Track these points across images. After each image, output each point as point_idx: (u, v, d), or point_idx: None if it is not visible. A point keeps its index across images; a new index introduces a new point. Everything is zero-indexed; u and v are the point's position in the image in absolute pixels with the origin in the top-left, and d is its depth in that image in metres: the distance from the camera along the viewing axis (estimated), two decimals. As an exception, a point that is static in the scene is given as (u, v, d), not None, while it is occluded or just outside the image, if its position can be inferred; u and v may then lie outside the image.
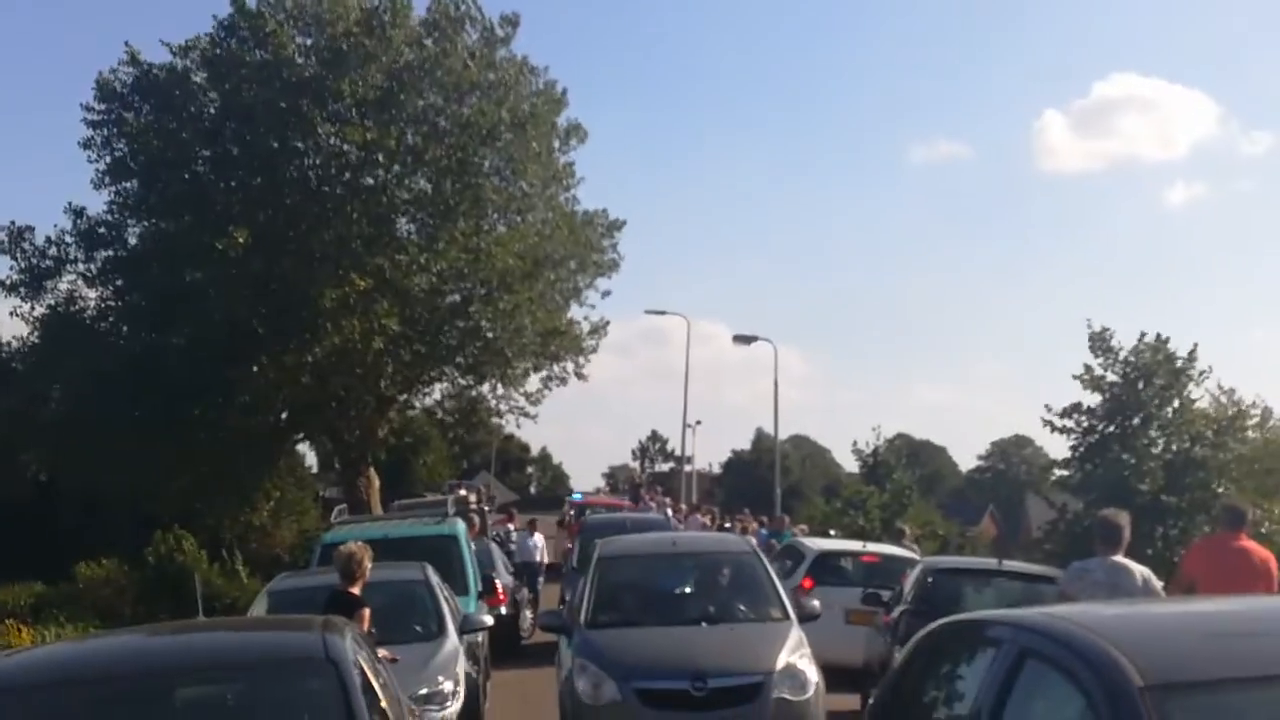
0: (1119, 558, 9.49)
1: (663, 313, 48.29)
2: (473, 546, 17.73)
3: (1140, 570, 9.53)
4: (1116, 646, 3.97)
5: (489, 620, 13.79)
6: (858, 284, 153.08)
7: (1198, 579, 10.21)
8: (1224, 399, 29.83)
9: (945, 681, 5.52)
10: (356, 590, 9.98)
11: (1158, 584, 9.62)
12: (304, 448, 40.77)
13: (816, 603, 12.45)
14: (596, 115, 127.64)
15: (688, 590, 12.95)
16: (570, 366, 36.03)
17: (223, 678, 6.10)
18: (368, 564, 10.22)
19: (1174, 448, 26.10)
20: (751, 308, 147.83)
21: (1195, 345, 26.58)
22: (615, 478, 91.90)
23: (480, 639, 13.98)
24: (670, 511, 36.08)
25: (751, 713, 10.53)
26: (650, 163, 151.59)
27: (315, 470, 47.57)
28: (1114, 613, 5.19)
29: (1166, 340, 26.55)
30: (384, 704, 6.27)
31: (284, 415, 34.07)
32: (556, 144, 34.31)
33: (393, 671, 7.49)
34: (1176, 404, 26.34)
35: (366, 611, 9.61)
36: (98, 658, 6.45)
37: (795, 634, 11.37)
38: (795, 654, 11.00)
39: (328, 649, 5.90)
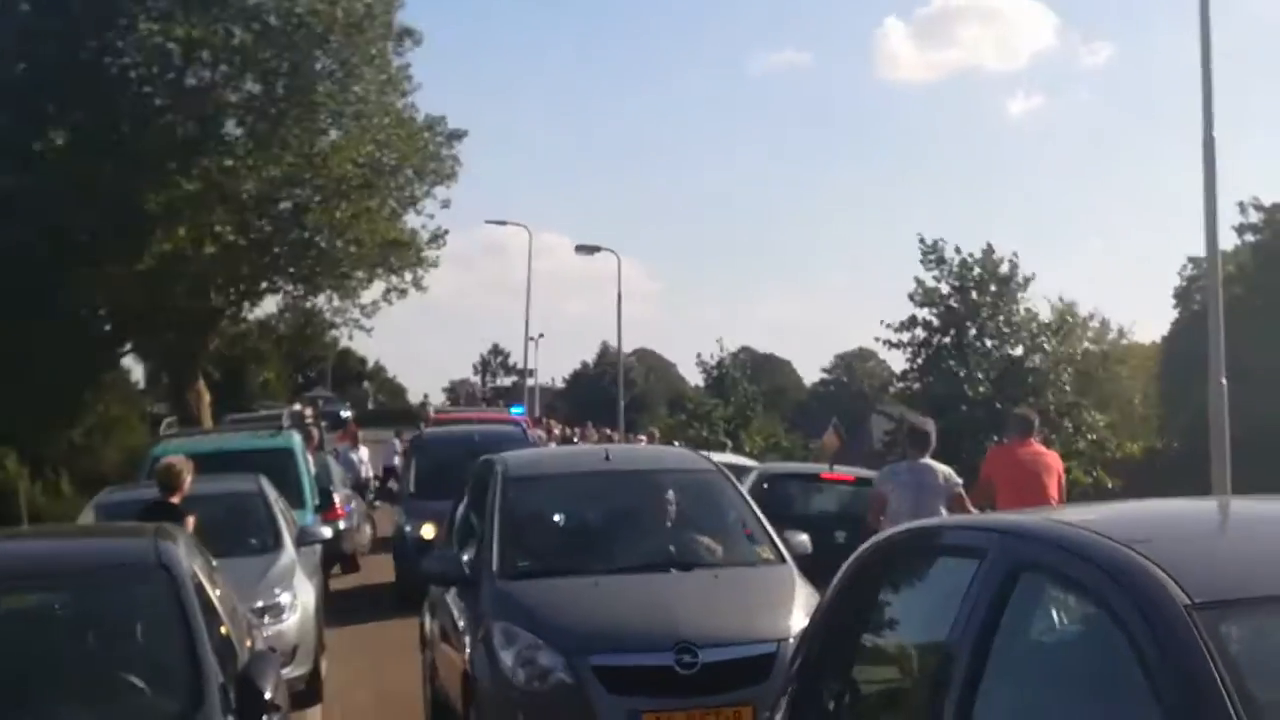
0: (925, 459, 10.85)
1: (503, 223, 47.98)
2: (310, 461, 17.30)
3: (943, 470, 10.92)
4: (1152, 558, 3.07)
5: (327, 533, 13.52)
6: (700, 196, 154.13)
7: (995, 482, 11.21)
8: (1062, 309, 30.70)
9: (901, 606, 4.37)
10: (176, 500, 9.63)
11: (958, 481, 10.96)
12: (130, 361, 39.61)
13: (805, 537, 9.20)
14: (435, 22, 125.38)
15: (638, 523, 9.37)
16: (409, 278, 35.43)
17: (50, 585, 5.91)
18: (188, 476, 9.89)
19: (1008, 354, 26.79)
20: (594, 221, 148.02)
21: (1015, 254, 27.23)
22: (456, 391, 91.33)
23: (317, 552, 13.62)
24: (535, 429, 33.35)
25: (761, 696, 7.12)
26: (491, 72, 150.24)
27: (142, 386, 46.18)
28: (1135, 515, 4.03)
29: (992, 251, 27.15)
30: (220, 612, 6.12)
31: (108, 327, 32.90)
32: (390, 46, 33.46)
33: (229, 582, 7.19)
34: (1009, 312, 27.01)
35: (191, 520, 9.23)
36: None
37: (801, 584, 8.30)
38: (810, 611, 7.60)
39: (160, 555, 5.73)
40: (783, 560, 8.61)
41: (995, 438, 24.35)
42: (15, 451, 29.84)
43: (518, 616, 7.84)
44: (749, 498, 9.57)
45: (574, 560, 8.69)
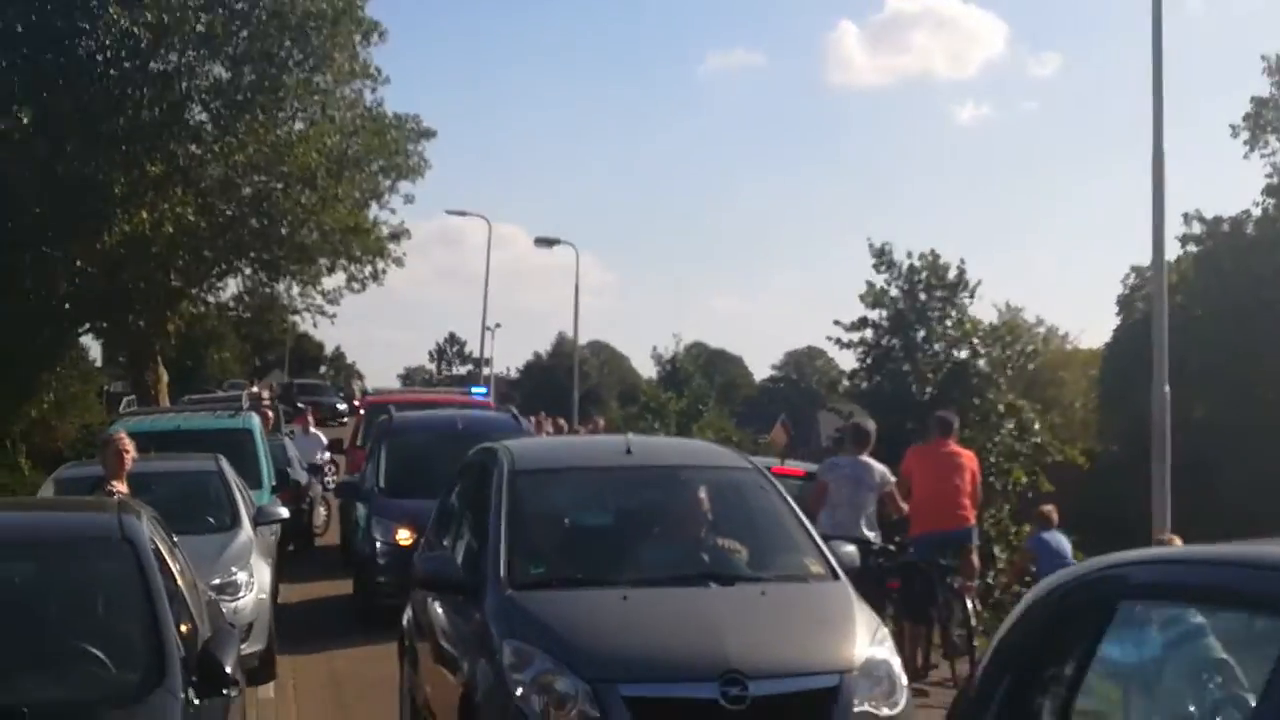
0: (865, 457, 11.78)
1: (464, 214, 47.94)
2: (266, 442, 17.56)
3: (879, 468, 11.81)
4: None
5: (284, 513, 13.72)
6: (657, 192, 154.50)
7: (911, 478, 12.13)
8: (1008, 315, 31.24)
9: (1148, 669, 3.24)
10: (121, 485, 9.54)
11: (891, 479, 11.85)
12: (88, 340, 39.59)
13: (853, 548, 8.18)
14: (397, 13, 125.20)
15: (667, 527, 8.11)
16: (369, 270, 35.52)
17: (13, 555, 5.92)
18: (127, 449, 9.80)
19: (955, 357, 27.30)
20: (551, 215, 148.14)
21: (962, 260, 27.82)
22: (411, 379, 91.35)
23: (274, 533, 13.92)
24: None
25: None
26: (452, 66, 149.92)
27: (100, 364, 46.13)
28: None
29: (938, 256, 27.70)
30: (182, 587, 6.21)
31: (67, 305, 32.94)
32: (358, 39, 33.56)
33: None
34: (954, 317, 27.52)
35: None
36: None
37: (860, 604, 7.22)
38: (875, 638, 6.90)
39: (123, 529, 5.78)
40: (835, 575, 7.41)
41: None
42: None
43: (532, 634, 6.63)
44: (791, 500, 8.19)
45: (595, 568, 7.43)
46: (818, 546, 7.64)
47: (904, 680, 6.79)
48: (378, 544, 13.66)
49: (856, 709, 6.41)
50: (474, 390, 33.26)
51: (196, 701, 5.11)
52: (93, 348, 42.89)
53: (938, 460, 12.06)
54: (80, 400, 36.74)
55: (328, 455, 25.76)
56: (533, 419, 24.39)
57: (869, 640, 6.78)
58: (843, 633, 6.84)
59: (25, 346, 31.45)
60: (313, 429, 27.52)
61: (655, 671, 6.39)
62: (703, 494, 8.05)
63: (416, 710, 8.46)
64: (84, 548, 5.93)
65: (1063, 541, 13.73)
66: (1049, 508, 14.49)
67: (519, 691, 6.38)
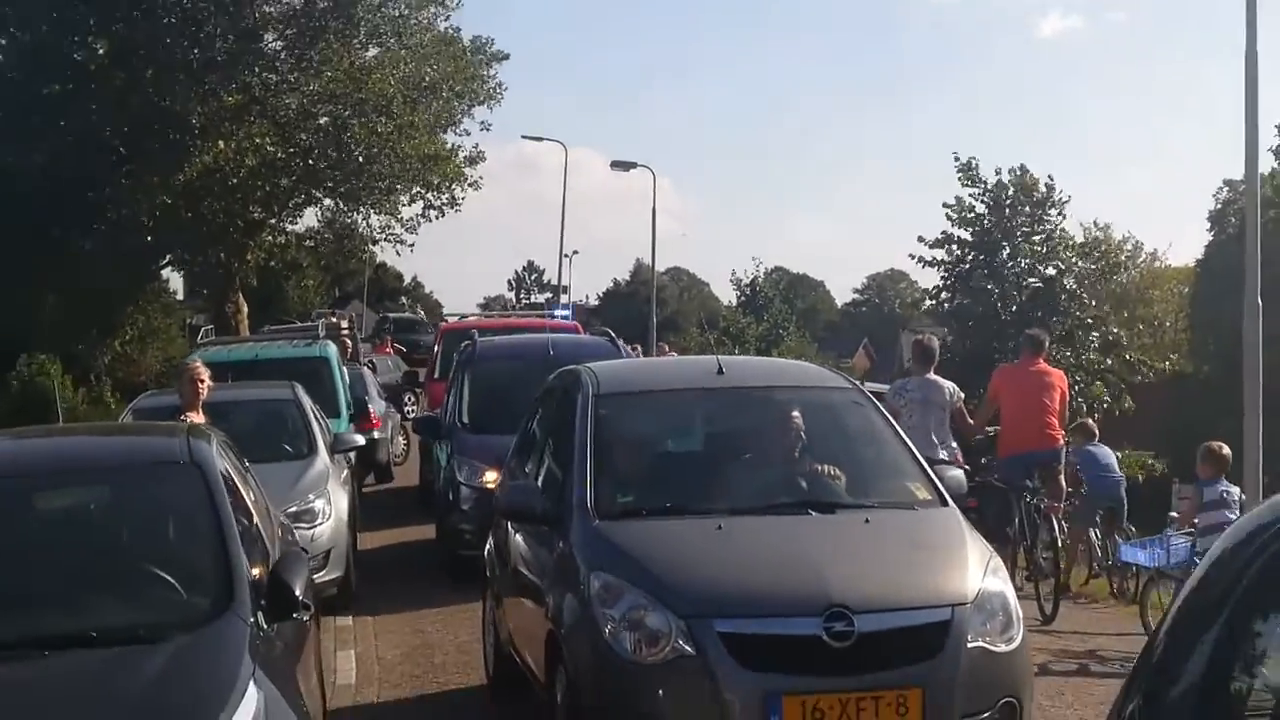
0: (931, 375, 11.48)
1: (540, 139, 47.67)
2: (345, 370, 17.54)
3: (948, 385, 11.50)
4: None
5: (360, 440, 13.66)
6: (733, 115, 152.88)
7: (1000, 398, 11.91)
8: (1098, 233, 30.57)
9: None
10: (196, 414, 9.51)
11: (960, 395, 11.61)
12: (170, 273, 39.98)
13: (960, 473, 7.73)
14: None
15: (762, 451, 7.64)
16: (446, 197, 35.37)
17: (83, 480, 5.89)
18: (203, 379, 9.80)
19: (1041, 273, 26.76)
20: (627, 141, 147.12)
21: (1050, 175, 27.18)
22: (490, 308, 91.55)
23: (350, 460, 13.87)
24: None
25: (933, 675, 5.97)
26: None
27: (182, 297, 46.63)
28: None
29: (1026, 171, 27.07)
30: (252, 512, 6.15)
31: (149, 239, 33.22)
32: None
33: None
34: (1042, 233, 26.96)
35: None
36: None
37: (972, 533, 6.78)
38: (988, 569, 6.42)
39: (192, 452, 5.73)
40: (944, 502, 6.95)
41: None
42: (59, 360, 30.38)
43: (621, 567, 6.28)
44: (894, 422, 7.78)
45: (687, 497, 7.00)
46: (924, 471, 7.16)
47: (1019, 613, 6.34)
48: (461, 488, 12.35)
49: (970, 644, 6.01)
50: (557, 313, 30.13)
51: (266, 625, 5.02)
52: (174, 280, 43.40)
53: (1026, 379, 11.80)
54: (163, 333, 37.16)
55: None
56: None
57: (982, 571, 6.33)
58: (954, 563, 6.40)
59: (108, 281, 31.76)
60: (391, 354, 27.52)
61: (753, 606, 5.99)
62: (799, 416, 7.55)
63: (500, 645, 8.24)
64: (151, 471, 5.87)
65: (1109, 454, 13.71)
66: (1089, 421, 14.68)
67: (608, 628, 6.03)
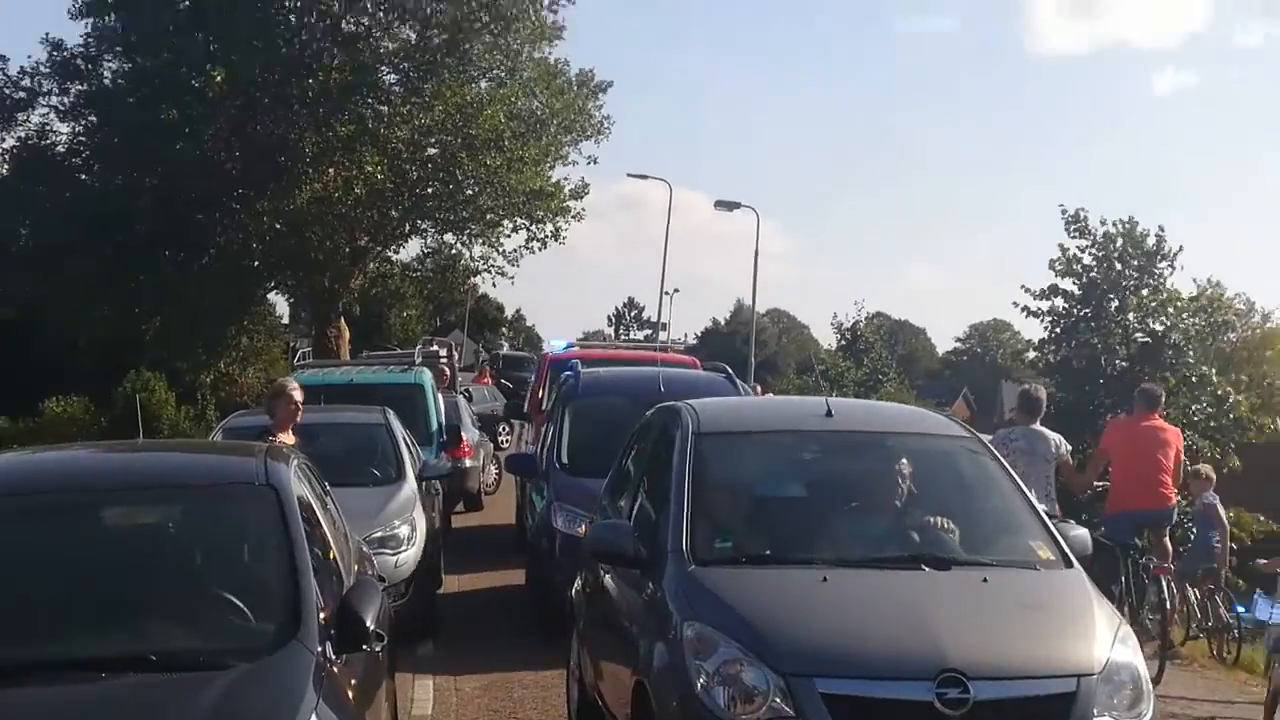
0: (1036, 425, 11.05)
1: (645, 176, 47.57)
2: (439, 398, 17.51)
3: (1054, 436, 11.04)
4: None
5: (448, 467, 13.57)
6: (842, 160, 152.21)
7: (1111, 453, 11.66)
8: (1208, 289, 29.77)
9: None
10: (286, 435, 9.47)
11: (1067, 447, 11.19)
12: (276, 296, 40.58)
13: (1084, 532, 7.09)
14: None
15: (871, 501, 7.17)
16: (549, 229, 35.48)
17: (155, 498, 5.72)
18: (296, 401, 9.71)
19: (1149, 328, 26.12)
20: (733, 183, 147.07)
21: (1160, 227, 26.57)
22: (589, 343, 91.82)
23: (439, 487, 13.79)
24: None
25: None
26: (639, 25, 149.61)
27: (286, 321, 47.30)
28: None
29: (1135, 223, 26.49)
30: (328, 538, 6.01)
31: (257, 263, 33.76)
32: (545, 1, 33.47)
33: (345, 512, 7.16)
34: (1151, 286, 26.33)
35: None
36: (20, 470, 6.13)
37: (1099, 598, 6.33)
38: (1117, 638, 5.97)
39: (268, 474, 5.56)
40: (1069, 563, 6.47)
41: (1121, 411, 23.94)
42: (164, 376, 30.91)
43: (717, 617, 5.88)
44: (1016, 476, 7.30)
45: (789, 545, 6.60)
46: (1046, 528, 6.68)
47: (1150, 688, 5.88)
48: (558, 535, 11.25)
49: (1097, 718, 5.55)
50: (669, 345, 26.17)
51: (334, 656, 4.85)
52: (279, 304, 44.04)
53: (1140, 435, 11.53)
54: (265, 354, 37.69)
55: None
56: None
57: (1111, 640, 5.86)
58: (1080, 630, 5.91)
59: (216, 301, 32.29)
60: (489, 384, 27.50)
61: (860, 667, 5.55)
62: (906, 464, 7.11)
63: (584, 691, 7.88)
64: (225, 491, 5.72)
65: (1220, 509, 13.06)
66: (1207, 467, 13.69)
67: (700, 681, 5.63)
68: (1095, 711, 5.55)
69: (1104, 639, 5.85)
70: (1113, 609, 6.35)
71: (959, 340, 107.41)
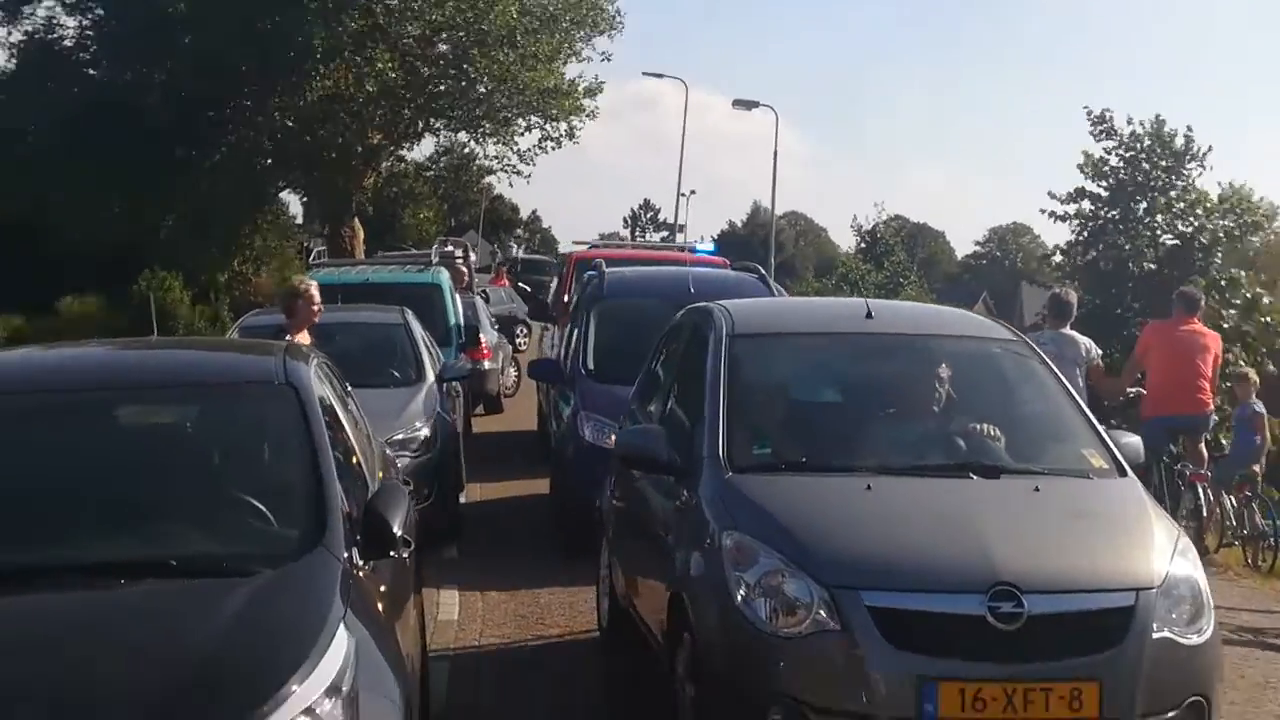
0: (1066, 329, 10.75)
1: (660, 75, 47.32)
2: (457, 298, 17.20)
3: (1084, 340, 10.76)
4: None
5: (469, 368, 13.32)
6: (862, 62, 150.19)
7: (1150, 357, 11.35)
8: (1233, 191, 29.42)
9: None
10: (303, 335, 9.22)
11: (1098, 352, 10.92)
12: (289, 195, 40.19)
13: (1137, 439, 6.78)
14: None
15: (915, 406, 6.85)
16: (564, 127, 34.93)
17: (171, 397, 5.48)
18: (315, 300, 9.48)
19: (1179, 229, 25.77)
20: (749, 82, 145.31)
21: (1189, 127, 26.05)
22: (607, 245, 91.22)
23: (459, 389, 13.55)
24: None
25: (1113, 668, 5.25)
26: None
27: (299, 221, 46.92)
28: None
29: (1163, 123, 25.98)
30: (351, 440, 5.74)
31: (269, 161, 33.32)
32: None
33: (365, 414, 6.89)
34: (1180, 187, 25.93)
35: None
36: (33, 367, 5.89)
37: (1158, 508, 6.16)
38: (1177, 549, 5.71)
39: (288, 373, 5.30)
40: (1122, 471, 6.22)
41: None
42: (180, 277, 30.66)
43: (757, 526, 5.65)
44: (1067, 381, 7.01)
45: (831, 452, 6.32)
46: (1099, 435, 6.39)
47: (1211, 601, 5.61)
48: (585, 447, 10.66)
49: (1155, 634, 5.30)
50: (699, 249, 24.07)
51: (360, 563, 4.59)
52: (292, 203, 43.66)
53: (1179, 339, 11.26)
54: (279, 254, 37.39)
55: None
56: None
57: (1170, 551, 5.60)
58: (1138, 541, 5.68)
59: (228, 201, 31.92)
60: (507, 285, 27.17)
61: (908, 579, 5.29)
62: (951, 369, 6.80)
63: (616, 602, 7.64)
64: (243, 390, 5.46)
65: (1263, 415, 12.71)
66: (1251, 371, 13.18)
67: (740, 593, 5.42)
68: (1155, 626, 5.33)
69: (1163, 551, 5.62)
70: (1171, 520, 6.12)
71: (978, 244, 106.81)
